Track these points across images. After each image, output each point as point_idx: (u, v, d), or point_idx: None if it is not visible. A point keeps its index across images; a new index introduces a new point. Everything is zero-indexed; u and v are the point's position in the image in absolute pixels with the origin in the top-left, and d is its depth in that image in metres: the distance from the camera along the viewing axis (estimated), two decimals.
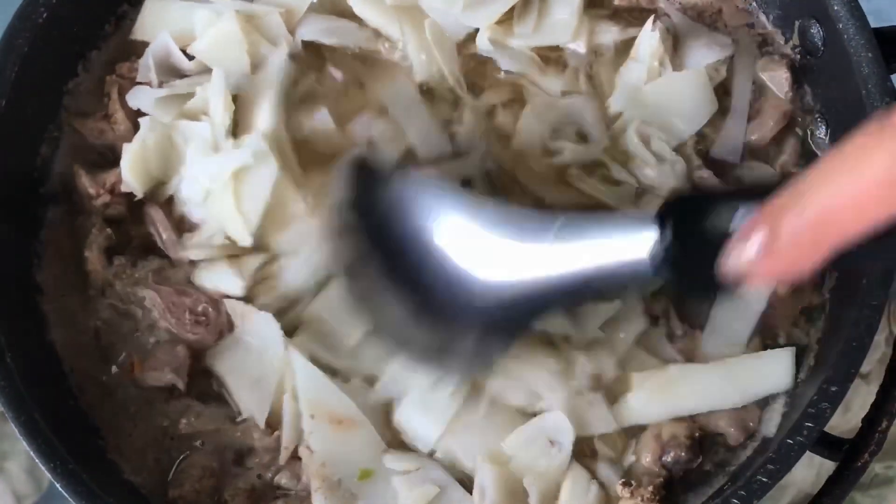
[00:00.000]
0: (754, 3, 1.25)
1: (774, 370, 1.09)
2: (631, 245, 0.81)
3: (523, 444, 1.06)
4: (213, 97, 1.12)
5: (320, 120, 1.17)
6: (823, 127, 1.19)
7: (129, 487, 1.05)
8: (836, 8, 1.10)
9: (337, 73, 1.21)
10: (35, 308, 1.11)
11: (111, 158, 1.15)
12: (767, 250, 0.69)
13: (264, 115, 1.12)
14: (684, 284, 0.85)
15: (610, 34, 1.23)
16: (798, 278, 0.71)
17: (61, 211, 1.15)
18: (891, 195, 0.64)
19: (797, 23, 1.20)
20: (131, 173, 1.11)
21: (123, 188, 1.12)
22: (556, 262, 0.87)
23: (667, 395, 1.08)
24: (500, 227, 0.92)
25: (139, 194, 1.13)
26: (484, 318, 0.94)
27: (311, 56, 1.21)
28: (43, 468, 0.97)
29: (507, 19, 1.21)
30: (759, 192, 0.71)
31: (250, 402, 1.08)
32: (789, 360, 1.09)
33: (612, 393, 1.09)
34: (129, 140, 1.14)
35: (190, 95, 1.15)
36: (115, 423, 1.09)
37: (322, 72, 1.21)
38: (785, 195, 0.68)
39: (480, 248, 0.92)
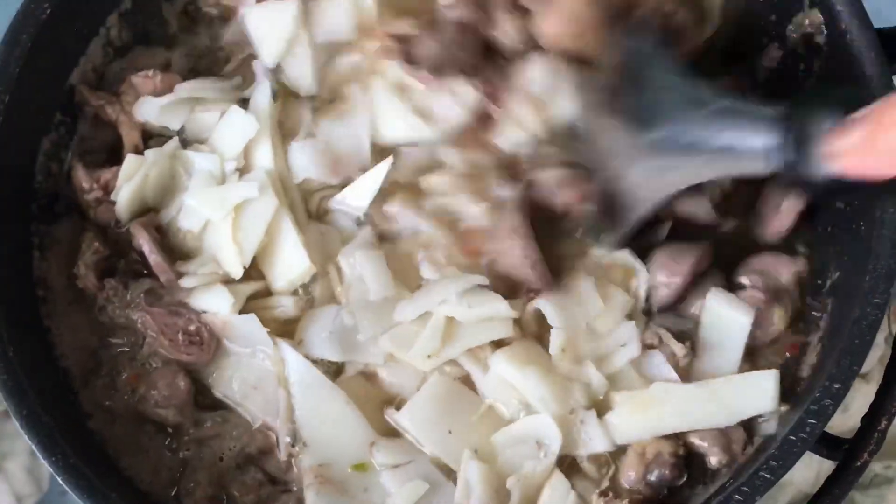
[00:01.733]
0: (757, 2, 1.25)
1: (758, 391, 1.06)
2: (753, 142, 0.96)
3: (512, 442, 1.06)
4: (234, 137, 1.14)
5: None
6: None
7: (130, 483, 1.06)
8: (839, 9, 1.10)
9: None
10: (38, 316, 1.11)
11: (110, 156, 1.17)
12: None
13: (263, 153, 1.14)
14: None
15: None
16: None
17: (60, 206, 1.16)
18: None
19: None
20: (126, 205, 1.13)
21: (114, 196, 1.14)
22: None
23: (648, 413, 1.07)
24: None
25: (125, 223, 1.14)
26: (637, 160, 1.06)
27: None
28: (44, 461, 0.97)
29: None
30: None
31: (256, 407, 1.09)
32: (773, 382, 1.06)
33: (600, 411, 1.08)
34: (134, 136, 1.16)
35: (193, 100, 1.16)
36: (124, 440, 1.09)
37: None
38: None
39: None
